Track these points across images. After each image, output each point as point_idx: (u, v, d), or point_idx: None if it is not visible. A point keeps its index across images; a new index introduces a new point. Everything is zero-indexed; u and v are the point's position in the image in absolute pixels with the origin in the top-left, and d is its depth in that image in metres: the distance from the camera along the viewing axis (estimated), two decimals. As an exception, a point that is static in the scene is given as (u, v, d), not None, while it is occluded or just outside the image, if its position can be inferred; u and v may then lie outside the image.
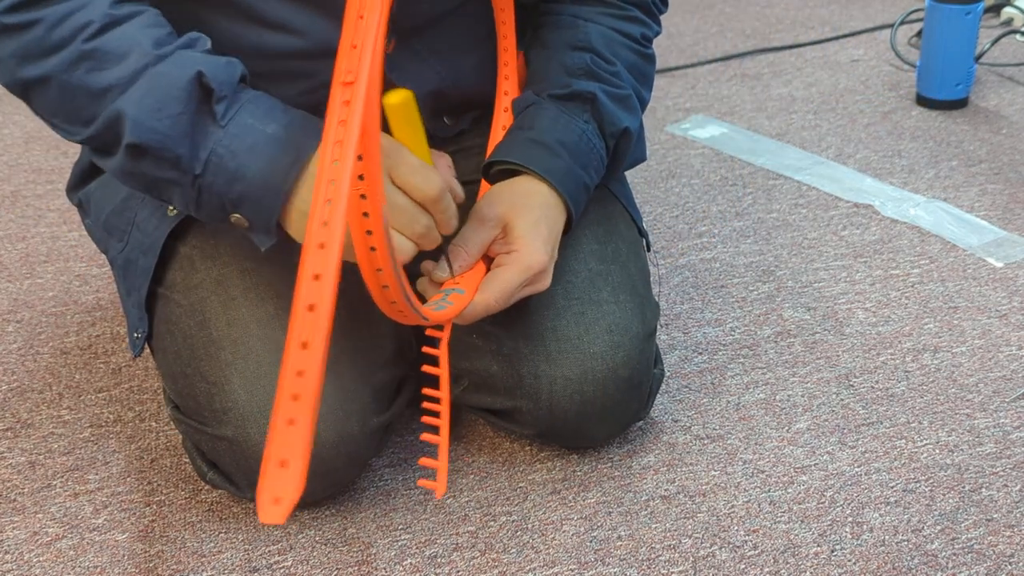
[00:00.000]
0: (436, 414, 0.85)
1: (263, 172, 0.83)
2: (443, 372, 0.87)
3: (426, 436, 0.85)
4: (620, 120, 1.00)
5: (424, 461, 0.83)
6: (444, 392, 0.86)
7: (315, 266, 0.67)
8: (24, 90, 0.87)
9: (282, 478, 0.63)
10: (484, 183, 1.02)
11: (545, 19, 1.04)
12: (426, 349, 0.88)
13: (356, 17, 0.72)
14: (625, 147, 1.02)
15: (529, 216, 0.93)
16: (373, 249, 0.74)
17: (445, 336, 0.89)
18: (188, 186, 0.85)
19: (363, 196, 0.71)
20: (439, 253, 0.90)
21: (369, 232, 0.73)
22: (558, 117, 0.98)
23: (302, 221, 0.84)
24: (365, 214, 0.72)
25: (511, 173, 0.98)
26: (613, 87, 1.00)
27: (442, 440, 0.84)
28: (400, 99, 0.82)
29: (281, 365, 0.66)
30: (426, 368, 0.87)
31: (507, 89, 1.04)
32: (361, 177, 0.70)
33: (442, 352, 0.88)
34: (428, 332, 0.89)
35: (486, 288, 0.90)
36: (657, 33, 1.07)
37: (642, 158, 1.08)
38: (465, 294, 0.90)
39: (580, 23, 1.02)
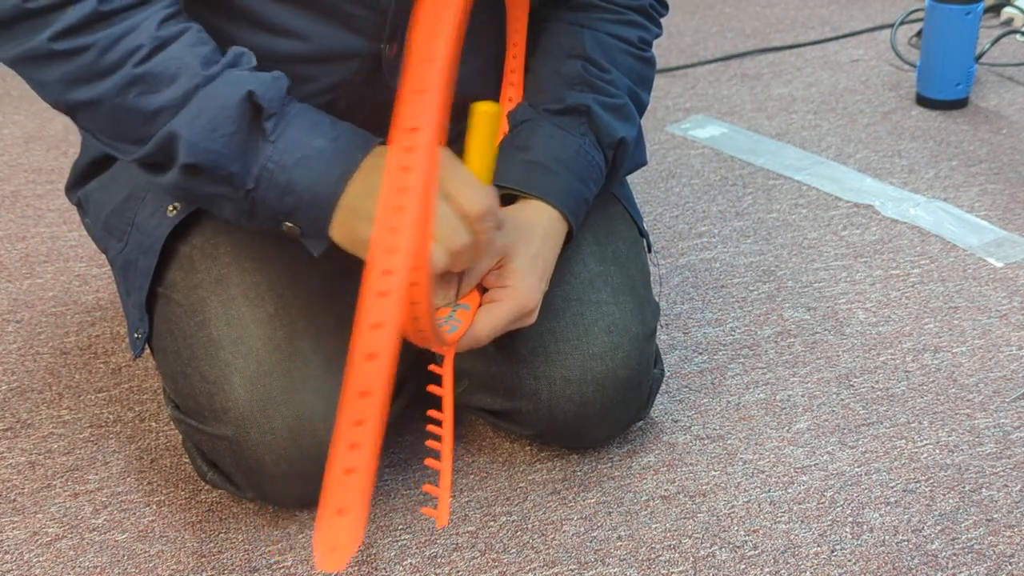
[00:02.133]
0: (439, 437, 0.84)
1: (313, 184, 0.85)
2: (447, 393, 0.85)
3: (429, 461, 0.84)
4: (616, 130, 1.00)
5: (428, 488, 0.82)
6: (447, 414, 0.84)
7: (376, 315, 0.66)
8: (70, 110, 0.87)
9: (340, 527, 0.63)
10: None
11: (544, 26, 1.04)
12: (432, 367, 0.88)
13: (422, 60, 0.69)
14: (622, 156, 1.02)
15: (528, 250, 0.93)
16: (414, 285, 0.73)
17: (449, 355, 0.88)
18: (241, 200, 0.87)
19: None
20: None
21: (413, 268, 0.72)
22: (554, 134, 0.98)
23: (352, 220, 0.84)
24: None
25: (510, 193, 0.98)
26: (607, 96, 1.00)
27: (444, 466, 0.82)
28: (492, 110, 0.82)
29: (338, 413, 0.65)
30: (431, 388, 0.86)
31: (511, 95, 1.04)
32: None
33: (446, 371, 0.87)
34: (434, 348, 0.88)
35: (478, 321, 0.89)
36: (657, 35, 1.07)
37: (642, 162, 1.08)
38: (470, 309, 0.89)
39: (576, 30, 1.02)
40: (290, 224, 0.88)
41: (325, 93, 0.96)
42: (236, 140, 0.84)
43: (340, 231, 0.86)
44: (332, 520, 0.64)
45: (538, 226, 0.95)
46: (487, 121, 0.83)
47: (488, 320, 0.89)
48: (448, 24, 0.70)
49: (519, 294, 0.91)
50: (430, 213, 0.71)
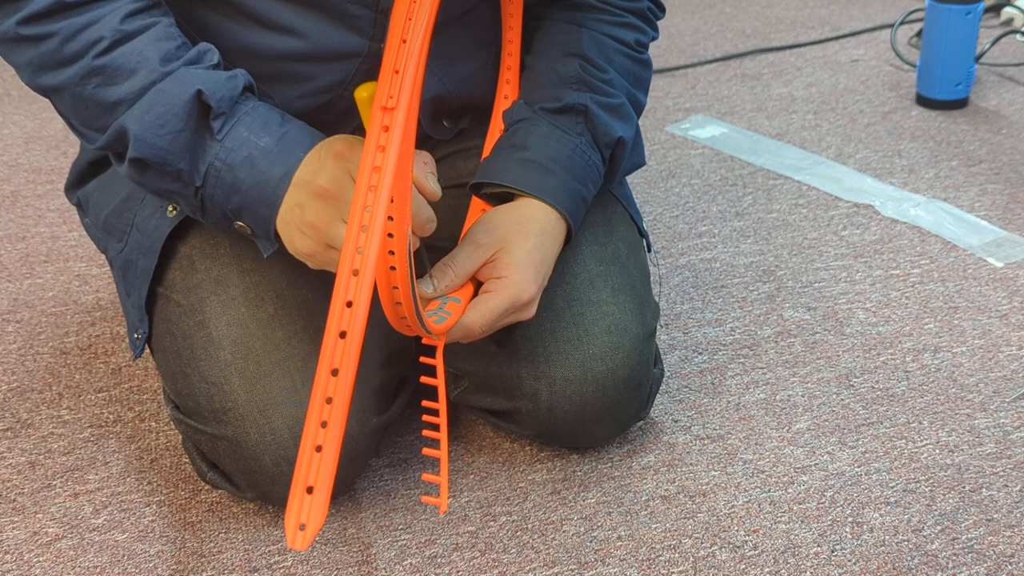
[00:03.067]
0: (436, 427, 0.85)
1: (257, 184, 0.85)
2: (440, 383, 0.86)
3: (427, 451, 0.84)
4: (614, 130, 1.00)
5: (427, 476, 0.82)
6: (442, 403, 0.85)
7: (348, 294, 0.67)
8: (44, 94, 0.89)
9: (308, 504, 0.64)
10: (475, 200, 1.01)
11: (540, 24, 1.04)
12: (423, 359, 0.88)
13: (399, 41, 0.71)
14: (620, 156, 1.02)
15: (524, 244, 0.93)
16: (393, 268, 0.74)
17: (440, 345, 0.88)
18: (192, 197, 0.88)
19: (390, 218, 0.71)
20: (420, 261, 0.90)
21: (391, 252, 0.73)
22: (550, 133, 0.98)
23: (285, 230, 0.85)
24: (390, 235, 0.72)
25: (506, 192, 0.97)
26: (605, 96, 1.00)
27: (442, 454, 0.83)
28: (371, 92, 0.81)
29: (312, 391, 0.66)
30: (424, 379, 0.87)
31: (507, 93, 1.04)
32: (390, 199, 0.70)
33: (438, 362, 0.87)
34: (424, 340, 0.88)
35: (471, 312, 0.89)
36: (653, 38, 1.07)
37: (641, 163, 1.08)
38: (461, 303, 0.89)
39: (574, 29, 1.02)
40: (241, 223, 0.88)
41: (324, 92, 0.96)
42: (183, 138, 0.84)
43: (281, 234, 0.86)
44: (302, 498, 0.64)
45: (535, 222, 0.95)
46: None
47: (480, 311, 0.90)
48: (425, 6, 0.70)
49: (513, 284, 0.91)
50: (407, 193, 0.72)
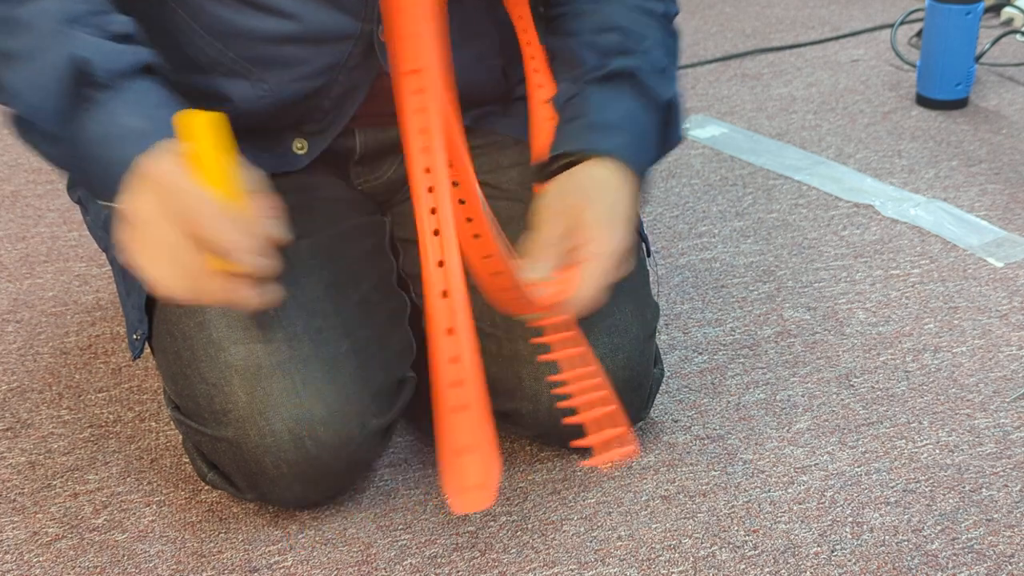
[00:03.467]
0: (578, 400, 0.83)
1: (111, 163, 0.81)
2: (582, 350, 0.82)
3: (570, 419, 0.83)
4: (664, 92, 0.99)
5: (578, 443, 0.80)
6: (592, 370, 0.82)
7: (438, 254, 0.66)
8: None
9: (467, 465, 0.62)
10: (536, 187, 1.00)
11: (561, 9, 1.03)
12: (534, 340, 0.85)
13: (411, 5, 0.70)
14: (673, 118, 1.00)
15: (604, 202, 0.91)
16: (477, 236, 0.72)
17: (558, 320, 0.85)
18: (65, 163, 0.86)
19: (455, 183, 0.69)
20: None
21: (469, 219, 0.70)
22: (605, 99, 0.97)
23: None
24: (461, 201, 0.70)
25: (569, 167, 0.96)
26: (648, 60, 0.99)
27: (606, 409, 0.81)
28: (201, 119, 0.76)
29: (430, 358, 0.64)
30: (562, 352, 0.84)
31: (540, 82, 1.02)
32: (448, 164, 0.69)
33: (571, 334, 0.84)
34: (530, 323, 0.85)
35: (583, 285, 0.88)
36: (676, 12, 1.06)
37: (679, 139, 1.06)
38: (554, 277, 0.88)
39: (600, 6, 1.01)
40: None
41: (317, 76, 0.96)
42: (59, 103, 0.82)
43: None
44: (454, 461, 0.63)
45: (607, 184, 0.93)
46: (200, 129, 0.77)
47: (589, 280, 0.89)
48: None
49: (606, 243, 0.89)
50: (463, 156, 0.70)
